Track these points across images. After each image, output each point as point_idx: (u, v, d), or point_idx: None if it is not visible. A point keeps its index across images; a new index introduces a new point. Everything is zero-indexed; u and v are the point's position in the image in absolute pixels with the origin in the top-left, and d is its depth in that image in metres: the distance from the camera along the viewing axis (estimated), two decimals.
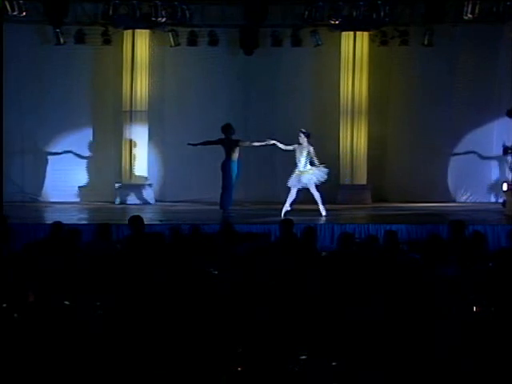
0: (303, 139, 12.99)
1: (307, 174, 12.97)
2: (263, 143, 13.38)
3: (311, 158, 12.97)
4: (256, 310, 5.26)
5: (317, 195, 13.02)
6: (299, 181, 12.99)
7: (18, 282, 6.22)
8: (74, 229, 8.58)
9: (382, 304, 5.42)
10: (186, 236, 8.68)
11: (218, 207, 13.48)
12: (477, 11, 14.77)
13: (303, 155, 12.94)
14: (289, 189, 13.17)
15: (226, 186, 13.28)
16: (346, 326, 4.95)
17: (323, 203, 13.10)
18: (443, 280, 6.32)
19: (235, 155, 13.26)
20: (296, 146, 13.05)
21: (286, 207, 13.07)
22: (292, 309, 5.29)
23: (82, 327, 5.08)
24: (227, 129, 13.38)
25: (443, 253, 7.43)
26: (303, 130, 13.12)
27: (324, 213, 13.04)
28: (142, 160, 15.82)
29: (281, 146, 13.20)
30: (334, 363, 4.56)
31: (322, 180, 13.04)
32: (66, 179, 16.10)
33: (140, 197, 15.55)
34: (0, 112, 9.43)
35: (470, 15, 14.84)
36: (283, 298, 5.55)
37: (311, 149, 12.98)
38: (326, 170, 13.02)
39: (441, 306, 5.39)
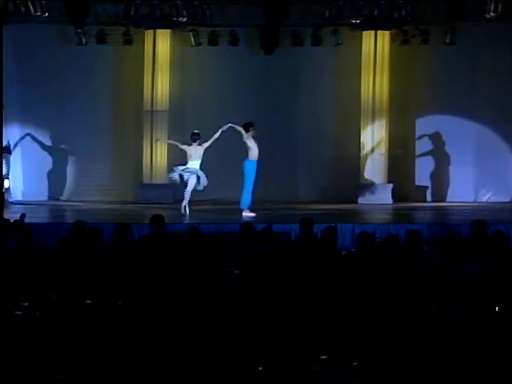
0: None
1: (198, 172, 13.28)
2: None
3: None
4: (274, 309, 5.27)
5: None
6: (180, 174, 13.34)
7: (39, 281, 6.26)
8: (94, 228, 8.62)
9: (398, 304, 5.41)
10: (206, 235, 8.68)
11: (239, 207, 13.49)
12: (499, 10, 14.67)
13: (201, 156, 13.29)
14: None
15: (242, 186, 13.33)
16: (362, 326, 4.94)
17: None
18: (464, 280, 6.28)
19: (249, 153, 13.21)
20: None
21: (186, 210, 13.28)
22: (310, 308, 5.29)
23: (103, 326, 5.11)
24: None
25: (464, 252, 7.39)
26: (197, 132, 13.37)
27: (185, 211, 13.22)
28: (162, 159, 15.88)
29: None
30: (354, 363, 4.56)
31: (204, 185, 13.37)
32: (87, 178, 16.20)
33: (161, 196, 15.58)
34: (0, 110, 9.52)
35: (492, 14, 14.74)
36: (302, 297, 5.55)
37: None
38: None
39: (461, 306, 5.38)
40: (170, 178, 13.70)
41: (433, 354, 4.57)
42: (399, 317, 5.10)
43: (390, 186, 15.80)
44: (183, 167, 13.36)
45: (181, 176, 13.38)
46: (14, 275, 6.37)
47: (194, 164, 13.29)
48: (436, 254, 7.61)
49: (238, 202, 13.47)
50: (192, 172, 13.27)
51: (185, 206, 13.33)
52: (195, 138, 13.36)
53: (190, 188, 13.34)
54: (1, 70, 9.21)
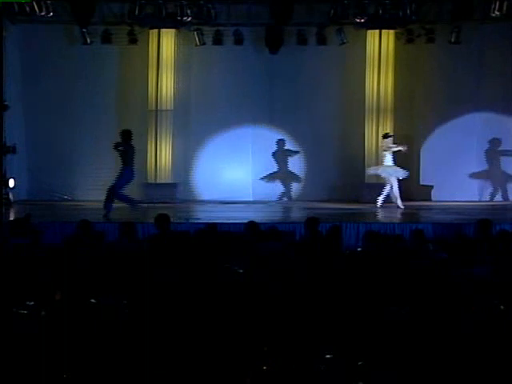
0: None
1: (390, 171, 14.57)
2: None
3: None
4: (276, 309, 5.26)
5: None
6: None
7: (45, 281, 6.27)
8: (96, 232, 8.61)
9: (409, 304, 5.41)
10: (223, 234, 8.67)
11: (245, 206, 13.52)
12: (504, 8, 14.65)
13: (389, 149, 14.62)
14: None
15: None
16: (367, 325, 4.94)
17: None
18: (470, 279, 6.28)
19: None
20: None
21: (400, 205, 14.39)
22: (316, 307, 5.29)
23: (108, 325, 5.12)
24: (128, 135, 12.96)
25: (470, 252, 7.38)
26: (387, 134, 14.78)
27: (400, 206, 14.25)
28: (167, 159, 15.88)
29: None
30: (359, 363, 4.55)
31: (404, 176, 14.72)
32: (92, 178, 16.21)
33: (165, 196, 15.59)
34: (0, 109, 9.53)
35: (497, 12, 14.72)
36: (308, 296, 5.56)
37: None
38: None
39: (467, 306, 5.37)
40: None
41: (434, 352, 4.57)
42: (404, 316, 5.10)
43: None
44: (377, 168, 14.62)
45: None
46: (18, 274, 6.38)
47: (387, 160, 14.42)
48: (442, 253, 7.59)
49: (244, 202, 13.48)
50: (386, 175, 14.39)
51: (398, 204, 14.26)
52: (385, 136, 14.62)
53: (394, 188, 14.31)
54: (1, 69, 9.19)
